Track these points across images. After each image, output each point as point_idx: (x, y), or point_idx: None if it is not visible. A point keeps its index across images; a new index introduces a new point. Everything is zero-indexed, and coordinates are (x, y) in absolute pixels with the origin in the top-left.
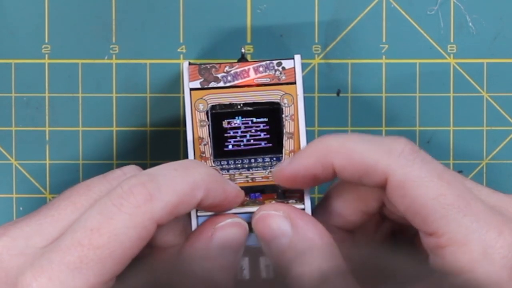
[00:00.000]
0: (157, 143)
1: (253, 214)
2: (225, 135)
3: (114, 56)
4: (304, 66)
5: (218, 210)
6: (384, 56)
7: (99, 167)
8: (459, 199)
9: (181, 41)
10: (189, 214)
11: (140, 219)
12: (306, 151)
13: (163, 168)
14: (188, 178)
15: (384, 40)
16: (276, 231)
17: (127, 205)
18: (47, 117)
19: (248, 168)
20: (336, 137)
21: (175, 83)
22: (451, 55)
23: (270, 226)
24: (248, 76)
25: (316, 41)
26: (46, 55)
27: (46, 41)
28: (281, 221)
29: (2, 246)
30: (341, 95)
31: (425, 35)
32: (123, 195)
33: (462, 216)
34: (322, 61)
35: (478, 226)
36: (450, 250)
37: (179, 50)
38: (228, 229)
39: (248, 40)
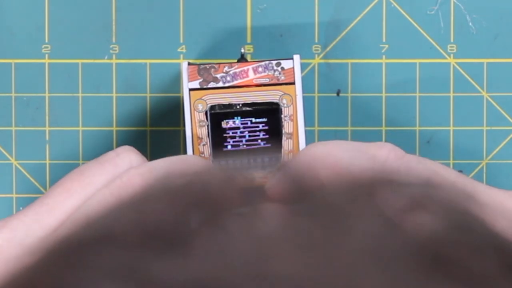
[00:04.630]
0: (157, 143)
1: None
2: (224, 135)
3: (114, 56)
4: (304, 66)
5: None
6: (384, 56)
7: None
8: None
9: (181, 41)
10: None
11: None
12: (292, 164)
13: (161, 160)
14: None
15: (384, 40)
16: None
17: (125, 195)
18: (47, 117)
19: (247, 169)
20: (320, 147)
21: (175, 83)
22: (451, 55)
23: None
24: (247, 76)
25: (316, 41)
26: (46, 55)
27: (46, 41)
28: None
29: (2, 239)
30: (341, 95)
31: (425, 35)
32: (121, 185)
33: None
34: (322, 61)
35: None
36: None
37: (179, 50)
38: None
39: (248, 40)
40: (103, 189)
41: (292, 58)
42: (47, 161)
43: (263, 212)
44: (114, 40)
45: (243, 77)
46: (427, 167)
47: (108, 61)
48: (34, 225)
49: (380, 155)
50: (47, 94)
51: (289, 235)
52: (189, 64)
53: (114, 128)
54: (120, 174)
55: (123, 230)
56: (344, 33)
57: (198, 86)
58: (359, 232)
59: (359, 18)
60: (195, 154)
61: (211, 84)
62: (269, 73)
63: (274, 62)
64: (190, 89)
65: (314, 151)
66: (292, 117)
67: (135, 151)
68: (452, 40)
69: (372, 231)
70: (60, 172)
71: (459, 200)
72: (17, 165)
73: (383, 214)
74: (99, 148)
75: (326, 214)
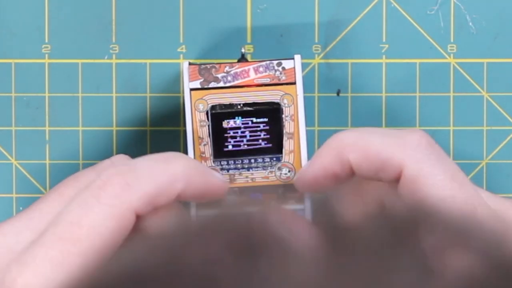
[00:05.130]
0: (157, 143)
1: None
2: (225, 135)
3: (114, 56)
4: (304, 66)
5: (203, 201)
6: (384, 56)
7: None
8: (467, 203)
9: (181, 41)
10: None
11: (118, 210)
12: (322, 151)
13: (143, 159)
14: (167, 169)
15: (384, 40)
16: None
17: (105, 196)
18: (47, 117)
19: (248, 168)
20: (350, 133)
21: (175, 83)
22: (451, 55)
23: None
24: (248, 76)
25: (316, 41)
26: (46, 55)
27: (46, 41)
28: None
29: None
30: (341, 95)
31: (425, 35)
32: (101, 186)
33: None
34: (322, 61)
35: None
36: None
37: (179, 50)
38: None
39: (248, 40)
40: (83, 190)
41: (293, 58)
42: (47, 161)
43: (298, 251)
44: (114, 40)
45: (244, 77)
46: (452, 161)
47: (108, 61)
48: (26, 230)
49: (412, 140)
50: (47, 94)
51: (327, 282)
52: (190, 64)
53: (114, 128)
54: (99, 173)
55: (156, 273)
56: (344, 33)
57: (199, 86)
58: (401, 279)
59: (359, 18)
60: (195, 152)
61: (212, 84)
62: (270, 73)
63: (275, 62)
64: (191, 89)
65: (343, 136)
66: (293, 117)
67: (130, 159)
68: (452, 40)
69: (413, 278)
70: (60, 172)
71: (498, 235)
72: (17, 165)
73: (423, 256)
74: (99, 148)
75: (365, 258)
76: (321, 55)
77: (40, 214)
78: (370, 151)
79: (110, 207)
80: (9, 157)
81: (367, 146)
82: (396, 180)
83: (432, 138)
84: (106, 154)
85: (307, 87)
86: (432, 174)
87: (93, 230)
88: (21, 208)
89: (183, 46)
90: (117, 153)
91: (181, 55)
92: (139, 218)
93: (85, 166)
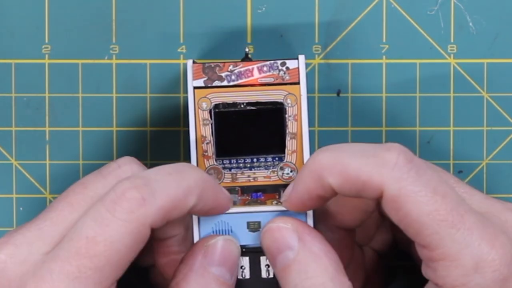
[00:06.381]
0: (157, 143)
1: (263, 226)
2: (228, 134)
3: (114, 56)
4: None
5: (207, 215)
6: (384, 56)
7: (99, 167)
8: (452, 214)
9: (181, 41)
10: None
11: (134, 225)
12: (302, 175)
13: (158, 171)
14: (182, 183)
15: (384, 40)
16: (283, 244)
17: (120, 211)
18: (47, 117)
19: (250, 168)
20: (328, 154)
21: (175, 83)
22: (451, 55)
23: (277, 239)
24: (252, 75)
25: (316, 41)
26: (46, 55)
27: (46, 41)
28: (288, 235)
29: (6, 255)
30: (341, 95)
31: (425, 35)
32: (116, 200)
33: (455, 231)
34: (322, 61)
35: (470, 240)
36: (442, 264)
37: (179, 50)
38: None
39: (248, 40)
40: (97, 204)
41: (297, 58)
42: (47, 161)
43: None
44: (114, 40)
45: (248, 76)
46: (434, 172)
47: (108, 61)
48: (38, 240)
49: (390, 159)
50: (47, 94)
51: None
52: (194, 62)
53: (114, 128)
54: (114, 186)
55: None
56: (344, 33)
57: (203, 85)
58: None
59: (359, 18)
60: (198, 150)
61: (216, 83)
62: (274, 73)
63: (279, 62)
64: (195, 87)
65: (321, 159)
66: (296, 117)
67: (136, 162)
68: (452, 40)
69: None
70: (60, 172)
71: None
72: (17, 165)
73: None
74: (99, 148)
75: None
76: (321, 55)
77: (51, 224)
78: (349, 175)
79: (126, 223)
80: (9, 157)
81: (345, 169)
82: (378, 198)
83: (410, 151)
84: (106, 154)
85: (308, 87)
86: (413, 192)
87: (109, 246)
88: (21, 209)
89: (183, 46)
90: (117, 153)
91: (181, 55)
92: (153, 230)
93: (85, 166)
